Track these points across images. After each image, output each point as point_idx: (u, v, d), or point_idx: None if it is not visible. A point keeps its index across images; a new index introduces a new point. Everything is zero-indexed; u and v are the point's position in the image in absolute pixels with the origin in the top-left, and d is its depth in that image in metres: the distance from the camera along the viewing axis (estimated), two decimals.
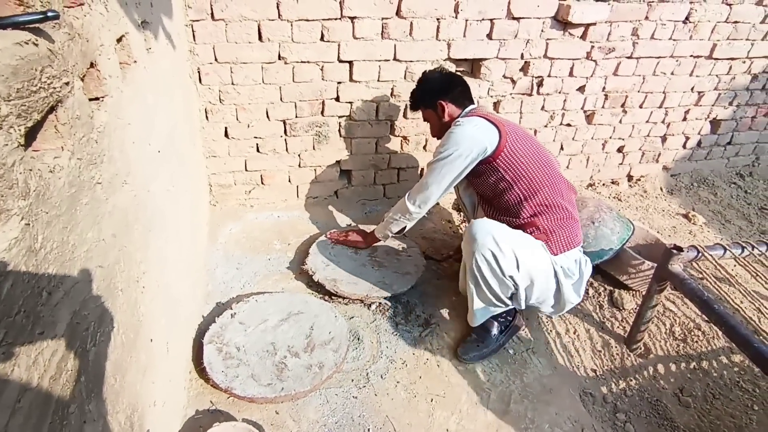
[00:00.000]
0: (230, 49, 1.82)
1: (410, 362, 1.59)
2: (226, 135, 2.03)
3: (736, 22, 2.34)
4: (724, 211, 2.64)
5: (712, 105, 2.62)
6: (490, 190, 1.62)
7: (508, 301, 1.55)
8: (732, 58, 2.47)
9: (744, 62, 2.51)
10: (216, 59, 1.83)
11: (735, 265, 2.06)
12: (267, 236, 2.09)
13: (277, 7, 1.78)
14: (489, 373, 1.59)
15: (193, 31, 1.76)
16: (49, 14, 0.61)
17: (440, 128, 1.73)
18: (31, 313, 0.57)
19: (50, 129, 0.67)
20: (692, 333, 1.80)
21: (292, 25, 1.83)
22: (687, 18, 2.25)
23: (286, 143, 2.12)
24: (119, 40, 1.01)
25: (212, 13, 1.74)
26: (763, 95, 2.68)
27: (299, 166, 2.20)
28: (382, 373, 1.54)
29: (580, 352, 1.71)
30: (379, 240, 1.87)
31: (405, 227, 1.76)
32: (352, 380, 1.50)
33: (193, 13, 1.72)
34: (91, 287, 0.75)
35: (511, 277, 1.44)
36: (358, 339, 1.63)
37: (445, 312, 1.80)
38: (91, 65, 0.82)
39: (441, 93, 1.69)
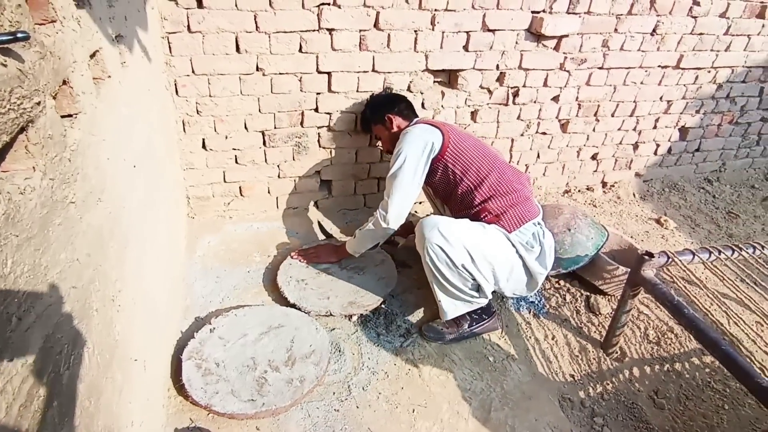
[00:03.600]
0: (207, 60, 1.81)
1: (392, 373, 1.59)
2: (204, 147, 2.01)
3: (701, 33, 2.44)
4: (694, 215, 2.73)
5: (680, 113, 2.72)
6: (445, 185, 1.74)
7: (476, 293, 1.62)
8: (698, 68, 2.57)
9: (709, 72, 2.62)
10: (193, 71, 1.82)
11: (704, 269, 2.13)
12: (246, 248, 2.07)
13: (255, 19, 1.78)
14: (470, 381, 1.61)
15: (169, 43, 1.74)
16: (19, 35, 0.61)
17: (391, 140, 1.86)
18: (0, 340, 0.55)
19: (21, 149, 0.66)
20: (665, 336, 1.86)
21: (269, 36, 1.83)
22: (654, 30, 2.34)
23: (265, 154, 2.11)
24: (93, 55, 1.00)
25: (189, 26, 1.73)
26: (728, 103, 2.79)
27: (279, 176, 2.19)
28: (364, 384, 1.54)
29: (559, 358, 1.74)
30: (351, 255, 1.87)
31: (378, 243, 1.82)
32: (334, 393, 1.50)
33: (170, 25, 1.71)
34: (65, 309, 0.74)
35: (463, 266, 1.52)
36: (340, 351, 1.63)
37: (426, 321, 1.81)
38: (64, 82, 0.81)
39: (388, 108, 1.87)
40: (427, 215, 1.64)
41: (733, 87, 2.73)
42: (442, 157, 1.67)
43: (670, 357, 1.78)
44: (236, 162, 2.09)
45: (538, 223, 1.69)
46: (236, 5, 1.74)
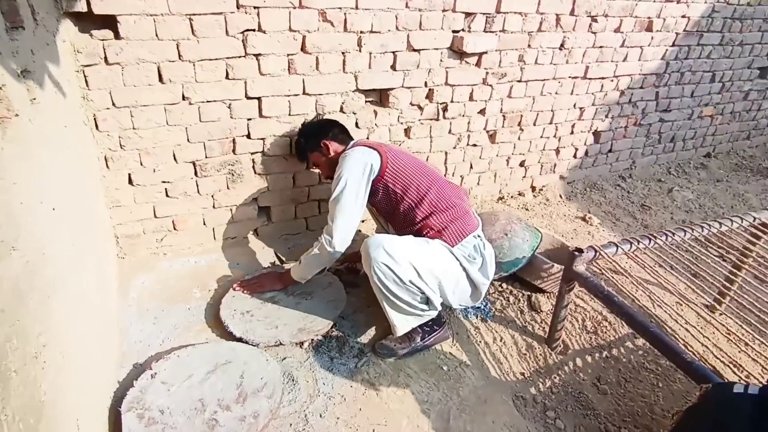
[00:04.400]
0: (129, 92, 1.74)
1: (349, 396, 1.57)
2: (131, 182, 1.91)
3: (601, 47, 2.70)
4: (614, 210, 2.96)
5: (592, 119, 2.97)
6: (387, 205, 1.77)
7: (425, 307, 1.65)
8: (602, 78, 2.83)
9: (612, 80, 2.89)
10: (113, 104, 1.73)
11: (627, 259, 2.31)
12: (184, 284, 1.97)
13: (177, 48, 1.74)
14: (426, 392, 1.62)
15: (85, 76, 1.65)
16: None
17: (329, 166, 1.88)
18: None
19: None
20: (601, 325, 1.99)
21: (194, 65, 1.79)
22: (562, 45, 2.55)
23: (198, 185, 2.04)
24: None
25: (106, 58, 1.65)
26: (631, 108, 3.08)
27: (214, 207, 2.12)
28: (321, 411, 1.50)
29: (508, 359, 1.81)
30: (297, 281, 1.84)
31: (324, 268, 1.81)
32: (291, 425, 1.45)
33: (84, 58, 1.62)
34: None
35: (411, 282, 1.54)
36: (293, 380, 1.59)
37: (378, 338, 1.81)
38: None
39: (322, 134, 1.88)
40: (372, 235, 1.66)
41: (634, 93, 3.02)
42: (381, 177, 1.70)
43: (607, 344, 1.91)
44: (167, 195, 2.00)
45: (478, 236, 1.75)
46: (156, 35, 1.68)
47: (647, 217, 2.91)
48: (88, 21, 1.61)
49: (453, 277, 1.64)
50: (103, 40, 1.64)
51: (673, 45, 2.95)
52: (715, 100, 3.46)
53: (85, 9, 1.56)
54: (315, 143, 1.89)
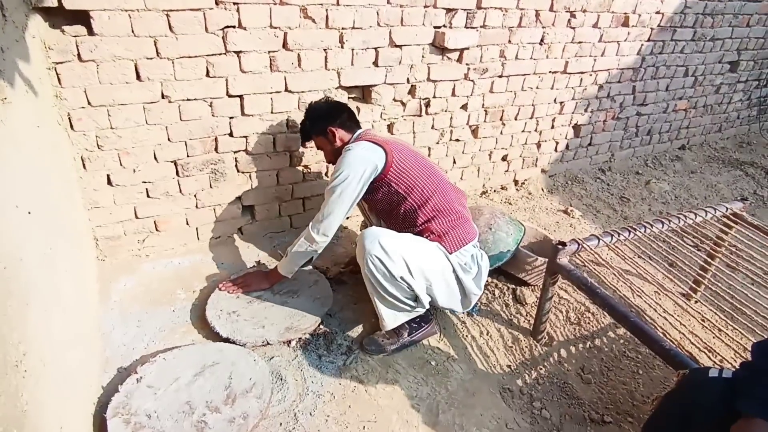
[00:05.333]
0: (105, 91, 1.69)
1: (338, 393, 1.57)
2: (110, 183, 1.86)
3: (580, 42, 2.74)
4: (594, 203, 3.02)
5: (572, 113, 3.02)
6: (387, 204, 1.73)
7: (414, 304, 1.65)
8: (581, 72, 2.87)
9: (591, 75, 2.93)
10: (89, 103, 1.68)
11: (608, 251, 2.36)
12: (168, 286, 1.94)
13: (155, 45, 1.69)
14: (415, 387, 1.63)
15: (57, 74, 1.60)
16: None
17: (334, 153, 1.82)
18: None
19: None
20: (584, 316, 2.03)
21: (173, 62, 1.75)
22: (542, 40, 2.58)
23: (180, 185, 2.00)
24: None
25: (79, 54, 1.60)
26: (609, 102, 3.14)
27: (196, 207, 2.08)
28: (311, 410, 1.50)
29: (495, 352, 1.83)
30: (285, 277, 1.83)
31: (312, 258, 1.77)
32: (281, 424, 1.45)
33: (56, 55, 1.57)
34: None
35: (402, 278, 1.54)
36: (282, 379, 1.58)
37: (366, 335, 1.81)
38: None
39: (329, 120, 1.80)
40: (368, 227, 1.65)
41: (612, 87, 3.08)
42: (384, 176, 1.65)
43: (590, 334, 1.95)
44: (148, 196, 1.96)
45: (476, 245, 1.76)
46: (133, 31, 1.64)
47: (626, 209, 2.98)
48: (59, 16, 1.55)
49: (444, 282, 1.63)
50: (75, 36, 1.58)
51: (649, 40, 3.02)
52: (688, 94, 3.56)
53: (55, 4, 1.51)
54: (321, 128, 1.80)
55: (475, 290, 1.70)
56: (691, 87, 3.53)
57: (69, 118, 1.68)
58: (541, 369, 1.78)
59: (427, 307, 1.68)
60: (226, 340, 1.66)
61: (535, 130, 2.93)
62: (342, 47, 2.04)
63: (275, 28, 1.87)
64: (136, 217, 1.98)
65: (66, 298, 1.32)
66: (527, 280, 2.13)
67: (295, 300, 1.86)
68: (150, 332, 1.72)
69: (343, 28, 2.00)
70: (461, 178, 2.82)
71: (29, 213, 1.11)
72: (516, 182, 3.07)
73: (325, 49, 2.01)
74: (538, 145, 3.01)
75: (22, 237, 1.03)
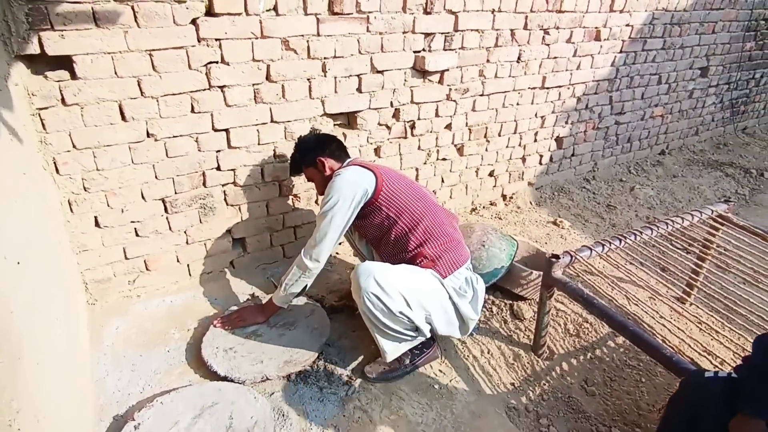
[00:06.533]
0: (90, 133, 1.68)
1: (342, 425, 1.54)
2: (98, 224, 1.84)
3: (555, 57, 2.81)
4: (582, 212, 3.06)
5: (554, 126, 3.08)
6: (377, 230, 1.73)
7: (414, 333, 1.64)
8: (559, 86, 2.95)
9: (568, 88, 3.01)
10: (74, 146, 1.67)
11: (600, 260, 2.38)
12: (162, 326, 1.90)
13: (139, 84, 1.70)
14: (420, 413, 1.61)
15: (42, 119, 1.59)
16: None
17: (323, 183, 1.81)
18: None
19: None
20: (582, 327, 2.03)
21: (157, 101, 1.75)
22: (519, 58, 2.65)
23: (169, 222, 1.98)
24: None
25: (63, 99, 1.60)
26: (588, 113, 3.22)
27: (187, 243, 2.06)
28: None
29: (497, 370, 1.82)
30: (280, 309, 1.81)
31: (306, 286, 1.75)
32: None
33: (39, 101, 1.57)
34: None
35: (401, 312, 1.53)
36: (284, 415, 1.54)
37: (366, 362, 1.79)
38: None
39: (318, 150, 1.81)
40: (361, 262, 1.64)
41: (590, 98, 3.16)
42: (375, 200, 1.66)
43: (590, 345, 1.95)
44: (137, 235, 1.93)
45: (469, 267, 1.76)
46: (116, 73, 1.65)
47: (614, 216, 3.02)
48: (42, 62, 1.55)
49: (442, 310, 1.62)
50: (59, 81, 1.59)
51: (621, 51, 3.12)
52: (663, 101, 3.66)
53: (38, 51, 1.51)
54: (311, 159, 1.82)
55: (472, 315, 1.68)
56: (666, 93, 3.64)
57: (54, 163, 1.67)
58: (544, 384, 1.77)
59: (428, 335, 1.66)
60: (225, 379, 1.62)
61: (519, 145, 2.98)
62: (325, 76, 2.07)
63: (258, 61, 1.89)
64: (126, 258, 1.95)
65: (58, 347, 1.28)
66: (523, 294, 2.13)
67: (293, 332, 1.83)
68: (145, 375, 1.68)
69: (325, 58, 2.03)
70: (450, 197, 2.84)
71: (18, 263, 1.09)
72: (504, 197, 3.10)
73: (308, 79, 2.04)
74: (523, 160, 3.06)
75: (11, 288, 1.01)
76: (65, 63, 1.58)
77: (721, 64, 3.88)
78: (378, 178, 1.67)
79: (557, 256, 1.72)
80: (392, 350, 1.62)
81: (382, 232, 1.72)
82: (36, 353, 1.06)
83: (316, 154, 1.81)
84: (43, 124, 1.60)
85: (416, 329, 1.62)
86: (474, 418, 1.60)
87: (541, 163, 3.18)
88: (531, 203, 3.12)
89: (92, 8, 1.53)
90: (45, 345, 1.16)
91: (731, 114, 4.39)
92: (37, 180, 1.51)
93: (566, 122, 3.13)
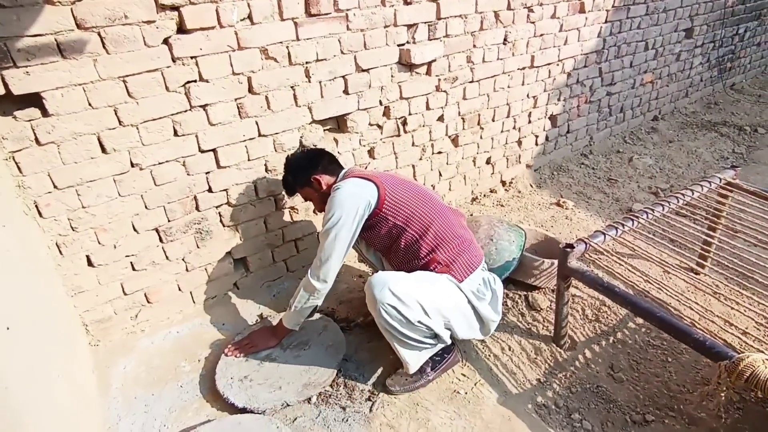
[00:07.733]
0: (70, 170, 1.59)
1: None
2: (91, 264, 1.75)
3: (542, 35, 2.73)
4: (584, 190, 3.01)
5: (546, 104, 3.01)
6: (386, 239, 1.66)
7: (434, 341, 1.58)
8: (548, 64, 2.87)
9: (558, 65, 2.93)
10: (55, 186, 1.58)
11: (614, 243, 2.34)
12: (171, 359, 1.83)
13: (116, 113, 1.60)
14: (449, 423, 1.56)
15: (16, 163, 1.50)
16: None
17: (322, 200, 1.73)
18: None
19: None
20: (601, 311, 1.99)
21: (138, 128, 1.66)
22: (505, 39, 2.57)
23: (165, 251, 1.90)
24: None
25: (37, 138, 1.50)
26: (580, 87, 3.15)
27: (186, 270, 1.98)
28: None
29: (521, 367, 1.77)
30: (292, 331, 1.74)
31: (316, 306, 1.68)
32: None
33: (11, 143, 1.47)
34: None
35: (419, 321, 1.47)
36: None
37: (387, 373, 1.73)
38: None
39: (311, 168, 1.74)
40: (372, 272, 1.57)
41: (580, 72, 3.09)
42: (380, 211, 1.59)
43: (611, 329, 1.91)
44: (133, 269, 1.85)
45: (484, 268, 1.70)
46: (90, 104, 1.55)
47: (616, 190, 2.97)
48: (9, 102, 1.45)
49: (461, 315, 1.57)
50: (30, 120, 1.49)
51: (606, 21, 3.04)
52: (652, 66, 3.60)
53: (2, 92, 1.41)
54: (304, 178, 1.74)
55: (493, 317, 1.63)
56: (654, 59, 3.57)
57: (36, 206, 1.57)
58: (570, 376, 1.72)
59: (449, 342, 1.61)
60: (243, 410, 1.56)
61: (514, 128, 2.91)
62: (309, 81, 1.98)
63: (238, 74, 1.80)
64: (125, 294, 1.87)
65: (63, 404, 1.21)
66: (537, 284, 2.08)
67: (307, 352, 1.77)
68: (160, 416, 1.61)
69: (307, 62, 1.94)
70: (449, 189, 2.78)
71: (7, 329, 1.01)
72: (503, 183, 3.04)
73: (292, 87, 1.95)
74: (519, 143, 2.99)
75: (4, 358, 0.94)
76: (34, 100, 1.48)
77: (705, 23, 3.81)
78: (380, 188, 1.59)
79: (571, 246, 1.67)
80: (414, 360, 1.57)
81: (390, 241, 1.65)
82: (39, 419, 0.99)
83: (309, 172, 1.72)
84: (18, 168, 1.51)
85: (435, 336, 1.57)
86: (505, 422, 1.55)
87: (537, 144, 3.11)
88: (531, 186, 3.06)
89: (55, 39, 1.43)
90: (49, 407, 1.09)
91: (719, 72, 4.34)
92: (19, 228, 1.42)
93: (559, 99, 3.06)
